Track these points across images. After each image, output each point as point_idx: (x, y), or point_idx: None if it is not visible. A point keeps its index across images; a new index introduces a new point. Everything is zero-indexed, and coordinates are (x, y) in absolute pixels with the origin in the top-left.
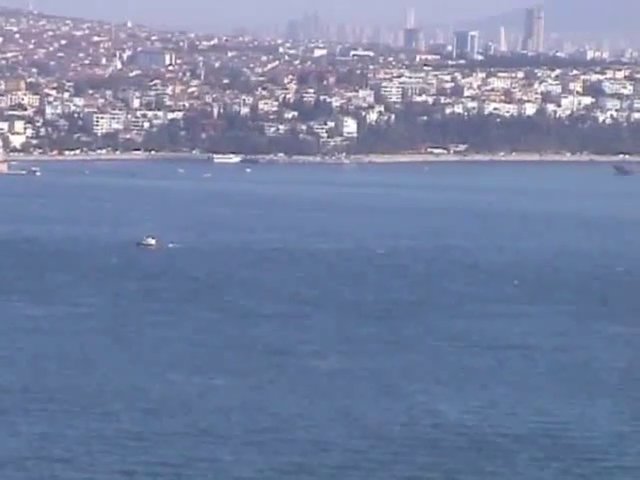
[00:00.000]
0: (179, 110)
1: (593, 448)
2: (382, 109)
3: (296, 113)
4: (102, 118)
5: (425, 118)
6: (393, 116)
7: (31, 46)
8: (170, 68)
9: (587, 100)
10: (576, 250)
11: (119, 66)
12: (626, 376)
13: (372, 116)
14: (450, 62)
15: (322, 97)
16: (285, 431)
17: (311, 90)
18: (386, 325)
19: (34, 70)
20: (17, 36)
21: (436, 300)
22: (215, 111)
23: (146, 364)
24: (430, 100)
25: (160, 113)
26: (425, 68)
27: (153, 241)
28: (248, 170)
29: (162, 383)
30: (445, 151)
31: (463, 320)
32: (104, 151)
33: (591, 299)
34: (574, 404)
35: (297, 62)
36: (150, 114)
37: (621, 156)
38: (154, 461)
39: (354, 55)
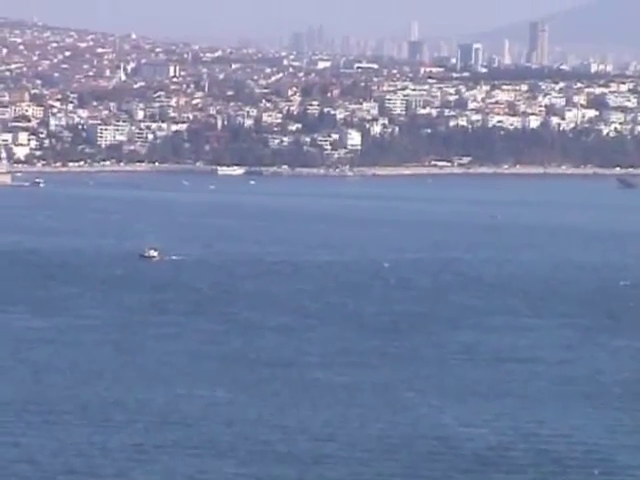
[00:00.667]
0: (183, 122)
1: (597, 462)
2: (386, 121)
3: (300, 125)
4: (106, 130)
5: (429, 131)
6: (397, 128)
7: (35, 57)
8: (174, 80)
9: (591, 113)
10: (580, 263)
11: (123, 78)
12: (630, 389)
13: (376, 128)
14: (454, 75)
15: (326, 109)
16: (288, 444)
17: (315, 102)
18: (390, 338)
19: (38, 81)
20: (21, 47)
21: (441, 313)
22: (219, 123)
23: (150, 376)
24: (434, 113)
25: (164, 125)
26: (429, 81)
27: (155, 253)
28: (252, 182)
29: (165, 396)
30: (449, 164)
31: (468, 333)
32: (108, 163)
33: (596, 312)
34: (578, 417)
35: (301, 74)
36: (154, 126)
37: (625, 169)
38: (156, 474)
39: (358, 67)
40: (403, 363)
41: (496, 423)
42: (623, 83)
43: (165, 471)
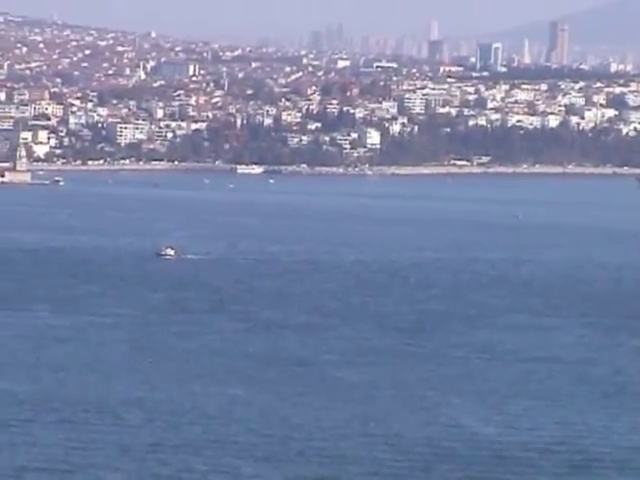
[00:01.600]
0: (202, 121)
1: (616, 462)
2: (405, 121)
3: (319, 124)
4: (125, 128)
5: (448, 130)
6: (416, 128)
7: (55, 56)
8: (194, 79)
9: (610, 112)
10: (601, 263)
11: (143, 76)
12: None
13: (395, 127)
14: (473, 74)
15: (345, 108)
16: (306, 442)
17: (334, 101)
18: (410, 337)
19: (58, 80)
20: (41, 46)
21: (461, 312)
22: (238, 122)
23: (169, 375)
24: (453, 112)
25: (183, 124)
26: (448, 80)
27: (172, 252)
28: (271, 181)
29: (184, 394)
30: (468, 163)
31: (488, 332)
32: (127, 161)
33: (616, 312)
34: (598, 417)
35: (320, 73)
36: (173, 124)
37: None
38: (173, 472)
39: (377, 66)
40: (423, 362)
41: (515, 423)
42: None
43: (182, 470)
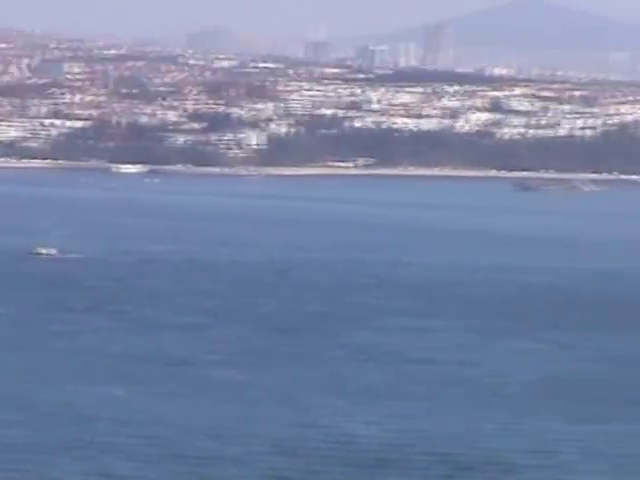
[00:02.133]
0: (83, 119)
1: (489, 463)
2: (288, 122)
3: (201, 124)
4: (3, 126)
5: (330, 131)
6: (298, 129)
7: None
8: (75, 77)
9: (489, 116)
10: (478, 265)
11: (24, 74)
12: (523, 391)
13: (277, 129)
14: (355, 76)
15: (227, 109)
16: (183, 442)
17: (217, 102)
18: (291, 338)
19: None
20: None
21: (343, 313)
22: (119, 121)
23: (44, 374)
24: (335, 114)
25: (63, 122)
26: (330, 82)
27: (47, 250)
28: (152, 180)
29: (60, 394)
30: (350, 164)
31: (366, 333)
32: (4, 159)
33: (491, 314)
34: (471, 418)
35: (203, 73)
36: (54, 123)
37: (520, 172)
38: (49, 471)
39: (260, 67)
40: (303, 363)
41: (391, 424)
42: (521, 87)
43: (57, 470)
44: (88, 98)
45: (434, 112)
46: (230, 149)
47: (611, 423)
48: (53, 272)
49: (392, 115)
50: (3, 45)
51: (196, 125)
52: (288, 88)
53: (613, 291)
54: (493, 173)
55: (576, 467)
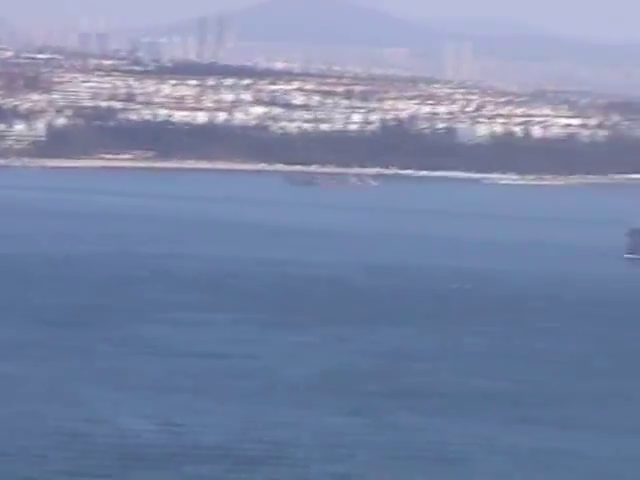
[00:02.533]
0: None
1: (269, 457)
2: (64, 114)
3: None
4: None
5: (107, 123)
6: (76, 121)
7: None
8: None
9: (265, 110)
10: (259, 259)
11: None
12: (303, 384)
13: (54, 120)
14: (131, 68)
15: (1, 100)
16: None
17: None
18: (66, 331)
19: None
20: None
21: (120, 306)
22: None
23: None
24: (111, 106)
25: None
26: (107, 73)
27: None
28: None
29: None
30: (128, 157)
31: (145, 326)
32: None
33: (272, 308)
34: (249, 411)
35: None
36: None
37: (293, 166)
38: None
39: (31, 58)
40: (77, 356)
41: (170, 418)
42: (298, 81)
43: None
44: None
45: (210, 105)
46: (4, 140)
47: (387, 415)
48: None
49: (169, 108)
50: None
51: None
52: (64, 79)
53: (389, 284)
54: (266, 166)
55: (354, 459)
